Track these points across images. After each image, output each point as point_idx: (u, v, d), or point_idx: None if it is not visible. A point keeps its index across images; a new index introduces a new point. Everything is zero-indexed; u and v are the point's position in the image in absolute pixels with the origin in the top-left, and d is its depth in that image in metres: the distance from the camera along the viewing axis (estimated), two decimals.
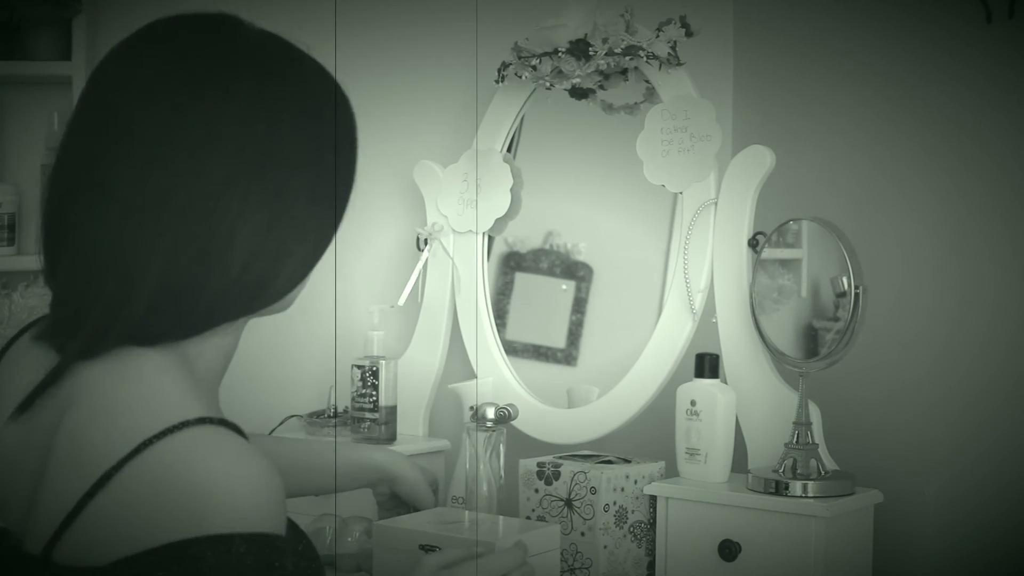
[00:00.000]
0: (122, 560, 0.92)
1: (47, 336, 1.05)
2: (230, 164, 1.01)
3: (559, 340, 2.12)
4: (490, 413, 1.82)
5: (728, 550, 1.64)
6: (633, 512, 1.76)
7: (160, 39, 1.06)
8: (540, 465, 1.79)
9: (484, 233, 2.04)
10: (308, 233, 1.08)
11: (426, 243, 2.07)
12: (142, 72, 1.03)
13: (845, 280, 1.65)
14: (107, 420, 0.97)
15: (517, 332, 2.11)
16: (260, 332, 1.85)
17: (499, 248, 2.12)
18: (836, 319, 1.66)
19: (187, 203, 1.00)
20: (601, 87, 1.93)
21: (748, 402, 1.75)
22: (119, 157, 1.00)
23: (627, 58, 1.85)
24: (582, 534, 1.73)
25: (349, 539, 1.81)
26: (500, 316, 2.09)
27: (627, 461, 1.80)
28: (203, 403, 0.99)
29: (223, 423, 0.98)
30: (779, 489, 1.63)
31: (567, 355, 2.12)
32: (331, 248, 1.12)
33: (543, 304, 2.14)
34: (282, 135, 1.04)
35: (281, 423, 2.13)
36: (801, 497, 1.61)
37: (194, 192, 1.00)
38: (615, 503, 1.74)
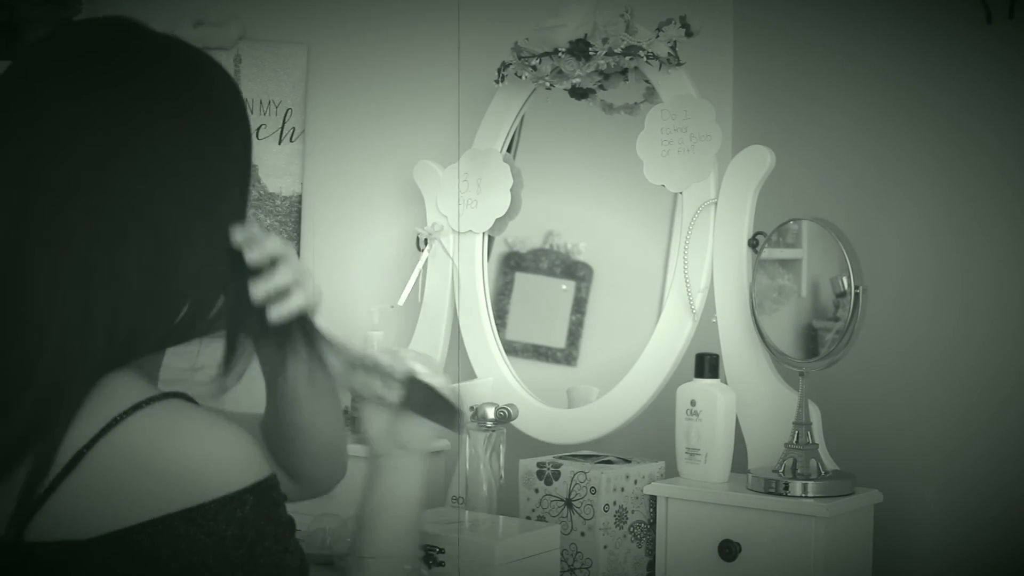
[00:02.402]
0: (109, 534, 0.95)
1: None
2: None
3: (559, 340, 2.12)
4: (490, 413, 1.82)
5: (728, 550, 1.64)
6: (633, 512, 1.76)
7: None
8: (540, 465, 1.79)
9: (484, 233, 2.04)
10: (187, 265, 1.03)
11: (426, 243, 2.07)
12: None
13: (845, 280, 1.65)
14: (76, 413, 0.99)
15: (517, 332, 2.11)
16: None
17: (499, 248, 2.12)
18: (836, 319, 1.66)
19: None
20: (601, 87, 1.93)
21: (748, 402, 1.75)
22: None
23: (627, 58, 1.85)
24: (582, 534, 1.73)
25: (349, 539, 1.81)
26: (500, 316, 2.09)
27: (627, 461, 1.80)
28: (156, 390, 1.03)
29: (183, 395, 1.02)
30: (779, 489, 1.63)
31: (567, 355, 2.12)
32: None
33: (543, 304, 2.14)
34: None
35: None
36: (801, 497, 1.61)
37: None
38: (615, 503, 1.74)
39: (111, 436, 0.96)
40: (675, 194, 1.89)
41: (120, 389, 1.00)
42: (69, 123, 1.00)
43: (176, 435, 0.98)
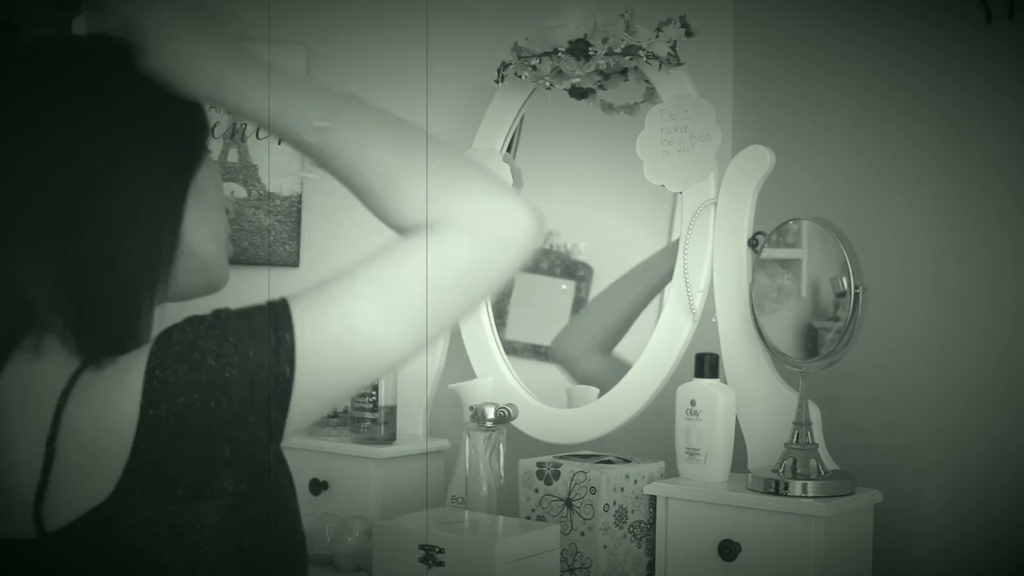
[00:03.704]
0: (118, 486, 0.95)
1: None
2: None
3: None
4: (490, 413, 1.82)
5: (728, 550, 1.64)
6: (633, 512, 1.76)
7: None
8: (540, 465, 1.79)
9: None
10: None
11: None
12: None
13: (845, 280, 1.65)
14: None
15: (517, 332, 2.11)
16: None
17: None
18: (836, 319, 1.66)
19: None
20: (601, 87, 1.93)
21: (748, 402, 1.75)
22: None
23: (627, 58, 1.85)
24: (582, 534, 1.73)
25: (349, 539, 1.81)
26: (500, 316, 2.09)
27: (627, 461, 1.80)
28: None
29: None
30: (779, 489, 1.63)
31: None
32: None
33: (543, 304, 2.14)
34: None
35: None
36: (801, 497, 1.61)
37: None
38: (615, 503, 1.74)
39: (78, 388, 0.96)
40: (675, 194, 1.89)
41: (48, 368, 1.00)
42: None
43: (107, 394, 0.97)
